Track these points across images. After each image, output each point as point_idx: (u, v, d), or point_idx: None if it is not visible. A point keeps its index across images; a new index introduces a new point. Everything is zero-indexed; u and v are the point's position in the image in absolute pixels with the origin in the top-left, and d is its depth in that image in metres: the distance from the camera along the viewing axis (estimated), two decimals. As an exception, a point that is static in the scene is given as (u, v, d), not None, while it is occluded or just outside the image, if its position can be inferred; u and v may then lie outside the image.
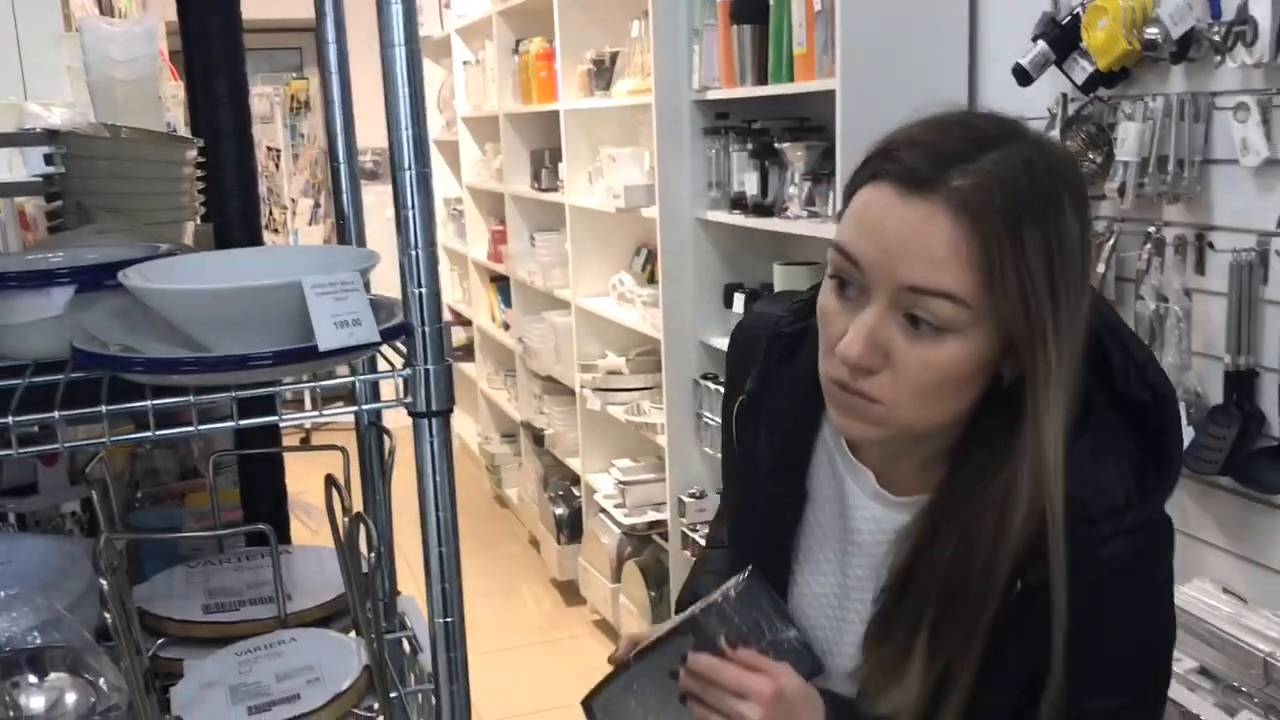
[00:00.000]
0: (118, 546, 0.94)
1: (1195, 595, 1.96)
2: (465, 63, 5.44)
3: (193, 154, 1.54)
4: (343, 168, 1.18)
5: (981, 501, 0.95)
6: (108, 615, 0.84)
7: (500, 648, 4.02)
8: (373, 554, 1.01)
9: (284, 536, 1.40)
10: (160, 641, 1.04)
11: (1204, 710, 1.71)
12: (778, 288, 2.95)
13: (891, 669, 1.00)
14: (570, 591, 4.36)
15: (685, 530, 3.35)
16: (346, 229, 1.19)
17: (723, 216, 3.14)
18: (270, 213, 6.70)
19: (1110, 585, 0.94)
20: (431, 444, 0.90)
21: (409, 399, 0.89)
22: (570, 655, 4.00)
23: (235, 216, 1.29)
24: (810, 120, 3.04)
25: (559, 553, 4.34)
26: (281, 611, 1.03)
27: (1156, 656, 1.02)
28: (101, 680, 0.86)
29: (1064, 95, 2.19)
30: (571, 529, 4.33)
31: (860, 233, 0.92)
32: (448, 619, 0.92)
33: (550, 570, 4.48)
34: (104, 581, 0.83)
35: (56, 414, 0.80)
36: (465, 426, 6.32)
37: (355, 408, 0.91)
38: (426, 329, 0.89)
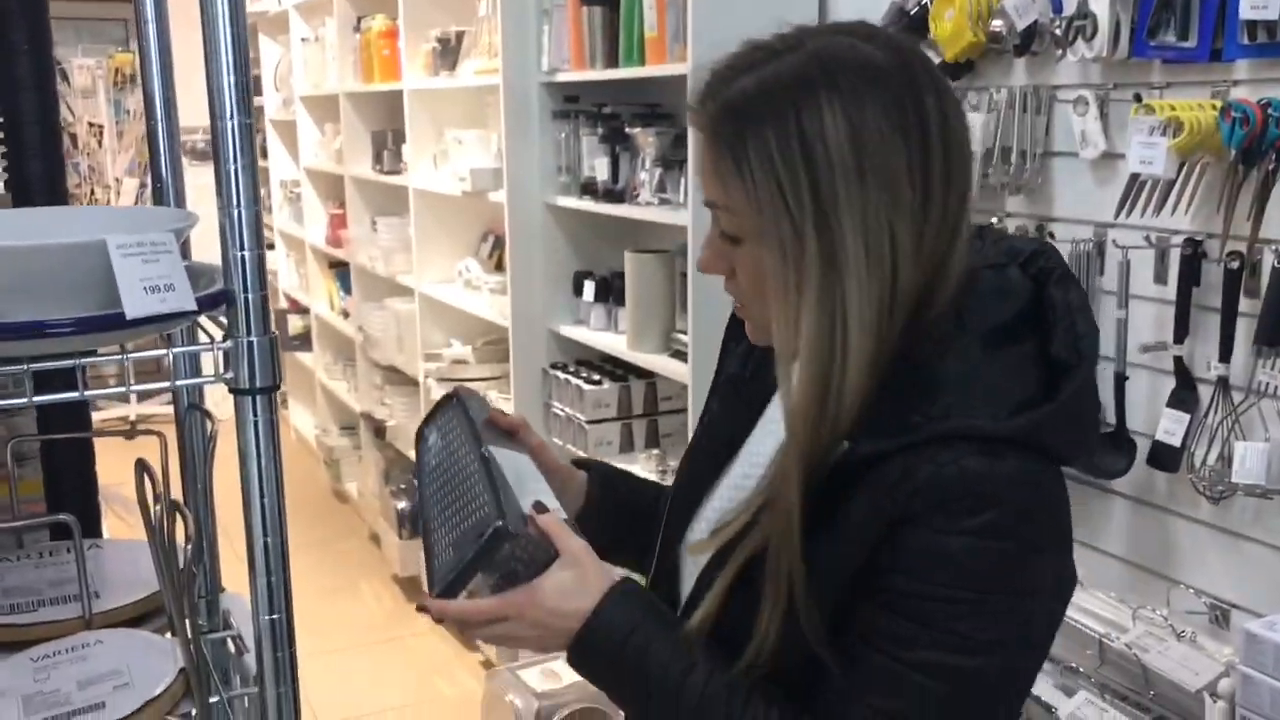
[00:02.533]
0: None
1: (1034, 578, 2.00)
2: (304, 39, 5.23)
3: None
4: (159, 127, 1.07)
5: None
6: None
7: (339, 647, 3.87)
8: (190, 546, 0.92)
9: (94, 531, 1.28)
10: (-58, 650, 0.92)
11: (1044, 691, 1.74)
12: (629, 276, 2.91)
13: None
14: (413, 588, 4.23)
15: (532, 522, 3.28)
16: (164, 194, 1.09)
17: (573, 202, 3.08)
18: (92, 192, 6.32)
19: (942, 502, 0.87)
20: (255, 424, 0.81)
21: (230, 374, 0.81)
22: (412, 653, 3.89)
23: (37, 178, 1.16)
24: (661, 106, 3.01)
25: (401, 548, 4.21)
26: (86, 611, 0.93)
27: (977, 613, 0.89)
28: None
29: (911, 85, 2.22)
30: (414, 524, 4.21)
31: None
32: (274, 615, 0.84)
33: (391, 566, 4.34)
34: None
35: None
36: (302, 419, 6.10)
37: (168, 383, 0.82)
38: (250, 296, 0.80)
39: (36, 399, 0.75)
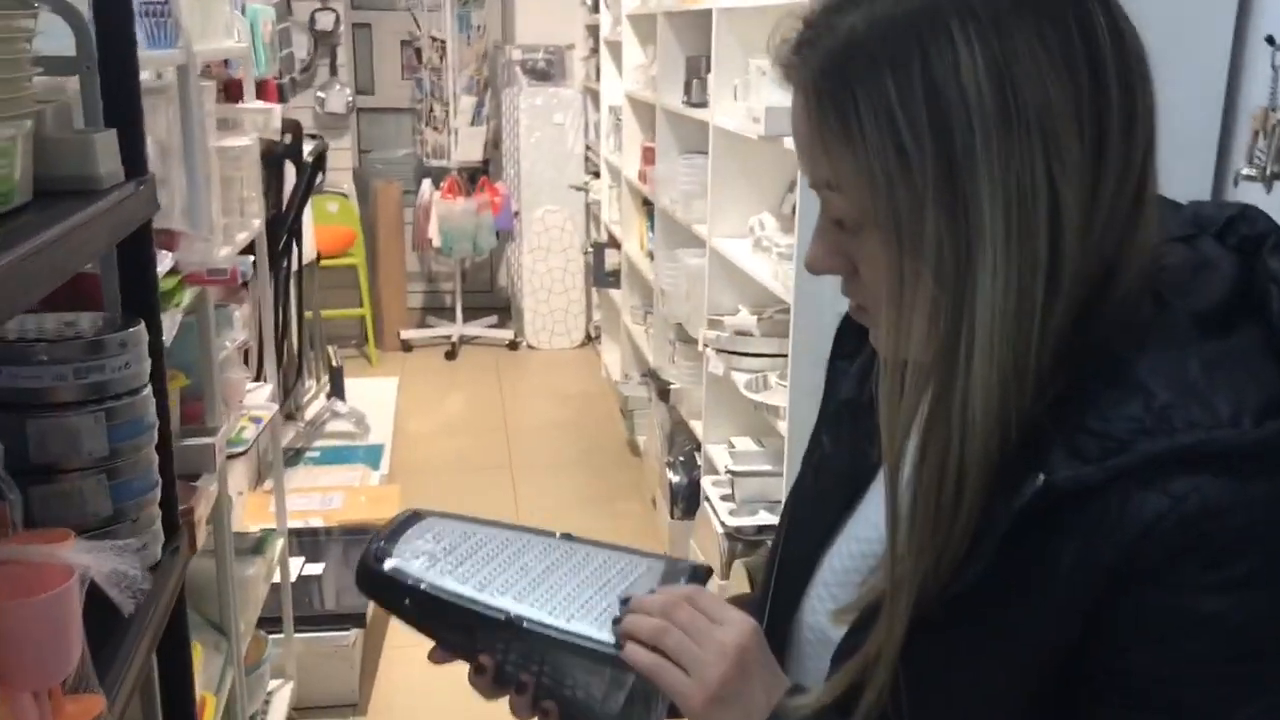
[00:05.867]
0: None
1: None
2: (635, -49, 4.79)
3: (32, 24, 1.12)
4: None
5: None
6: None
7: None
8: None
9: None
10: None
11: None
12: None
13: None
14: (680, 572, 3.79)
15: (797, 540, 2.72)
16: None
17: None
18: (431, 110, 6.27)
19: (1185, 549, 0.68)
20: None
21: None
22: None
23: None
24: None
25: (670, 527, 3.78)
26: None
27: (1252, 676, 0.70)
28: None
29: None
30: (688, 501, 3.76)
31: None
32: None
33: (662, 543, 3.92)
34: None
35: None
36: (613, 356, 5.81)
37: None
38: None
39: None
